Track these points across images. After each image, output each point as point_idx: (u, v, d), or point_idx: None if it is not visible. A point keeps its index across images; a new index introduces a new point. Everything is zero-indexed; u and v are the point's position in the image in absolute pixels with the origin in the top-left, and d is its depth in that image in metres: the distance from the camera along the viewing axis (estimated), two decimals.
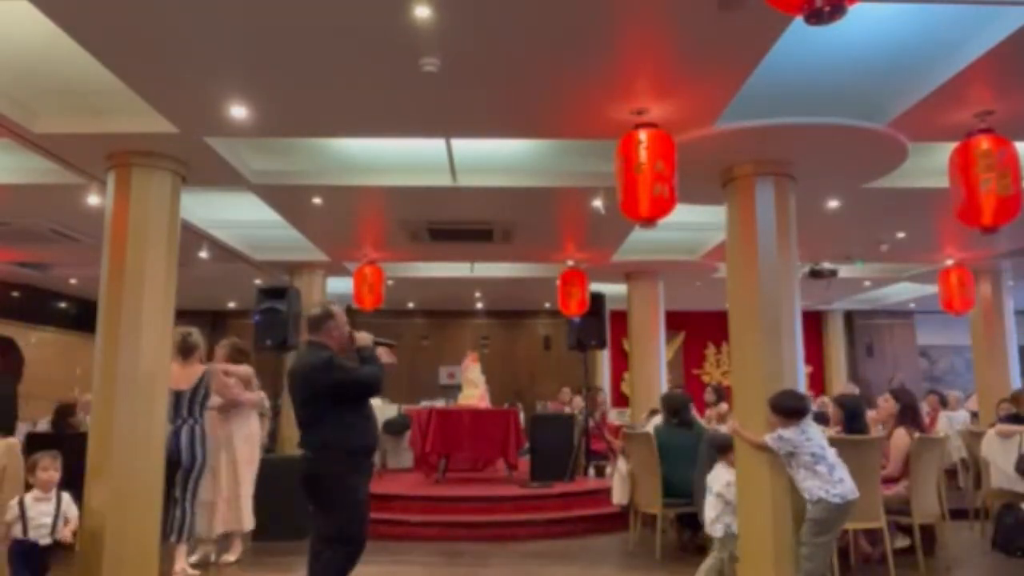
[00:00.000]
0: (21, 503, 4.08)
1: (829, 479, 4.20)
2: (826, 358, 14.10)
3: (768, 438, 4.43)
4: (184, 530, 5.13)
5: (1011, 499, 5.81)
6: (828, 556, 4.38)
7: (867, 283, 11.03)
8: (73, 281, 10.77)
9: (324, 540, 3.49)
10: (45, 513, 4.10)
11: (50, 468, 4.17)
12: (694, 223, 7.41)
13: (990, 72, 3.84)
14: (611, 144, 4.51)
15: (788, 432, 4.34)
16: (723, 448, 4.81)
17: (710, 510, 4.64)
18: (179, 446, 5.13)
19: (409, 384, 12.52)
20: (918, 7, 3.56)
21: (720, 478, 4.71)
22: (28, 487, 4.23)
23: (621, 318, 10.32)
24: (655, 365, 9.03)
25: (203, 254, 8.04)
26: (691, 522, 5.94)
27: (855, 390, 9.53)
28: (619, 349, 12.94)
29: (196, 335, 5.41)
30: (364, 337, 3.75)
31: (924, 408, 8.48)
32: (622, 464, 6.25)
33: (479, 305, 13.43)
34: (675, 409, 6.08)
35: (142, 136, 4.69)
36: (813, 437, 4.32)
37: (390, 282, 9.52)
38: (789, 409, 4.40)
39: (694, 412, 6.46)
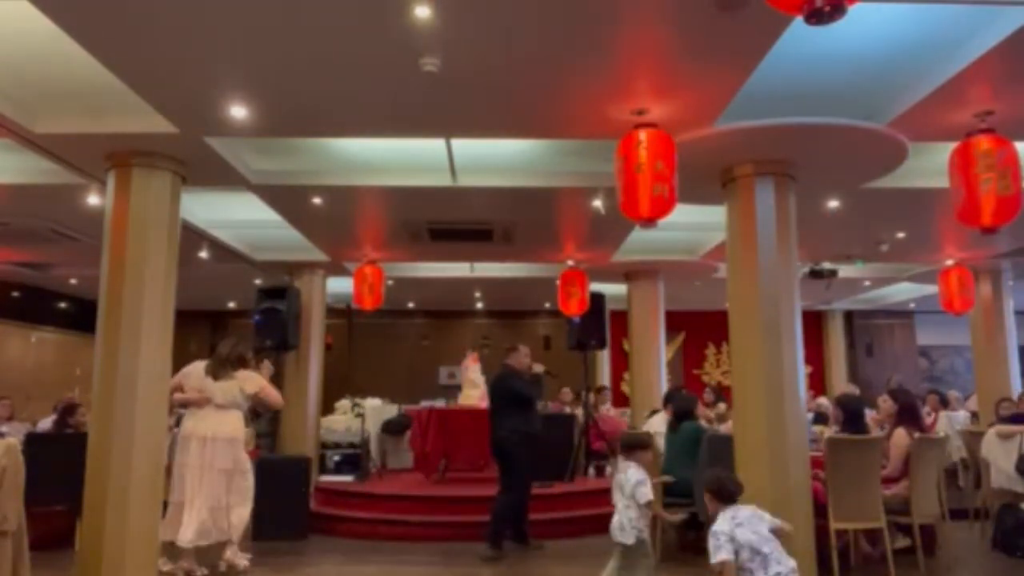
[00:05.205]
0: None
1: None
2: (826, 358, 14.11)
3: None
4: None
5: (1011, 499, 5.81)
6: None
7: (867, 283, 11.02)
8: (73, 281, 10.77)
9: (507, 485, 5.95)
10: None
11: None
12: (694, 223, 7.40)
13: (990, 72, 3.84)
14: (611, 144, 4.51)
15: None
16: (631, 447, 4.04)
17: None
18: None
19: (409, 384, 12.54)
20: (918, 7, 3.56)
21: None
22: None
23: (621, 318, 10.32)
24: (655, 365, 9.02)
25: (203, 254, 8.04)
26: (692, 522, 5.93)
27: (855, 390, 9.53)
28: (619, 349, 12.94)
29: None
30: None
31: (924, 408, 8.50)
32: None
33: (479, 305, 13.42)
34: (684, 409, 6.05)
35: (142, 136, 4.69)
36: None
37: (390, 282, 9.52)
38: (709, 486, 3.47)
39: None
